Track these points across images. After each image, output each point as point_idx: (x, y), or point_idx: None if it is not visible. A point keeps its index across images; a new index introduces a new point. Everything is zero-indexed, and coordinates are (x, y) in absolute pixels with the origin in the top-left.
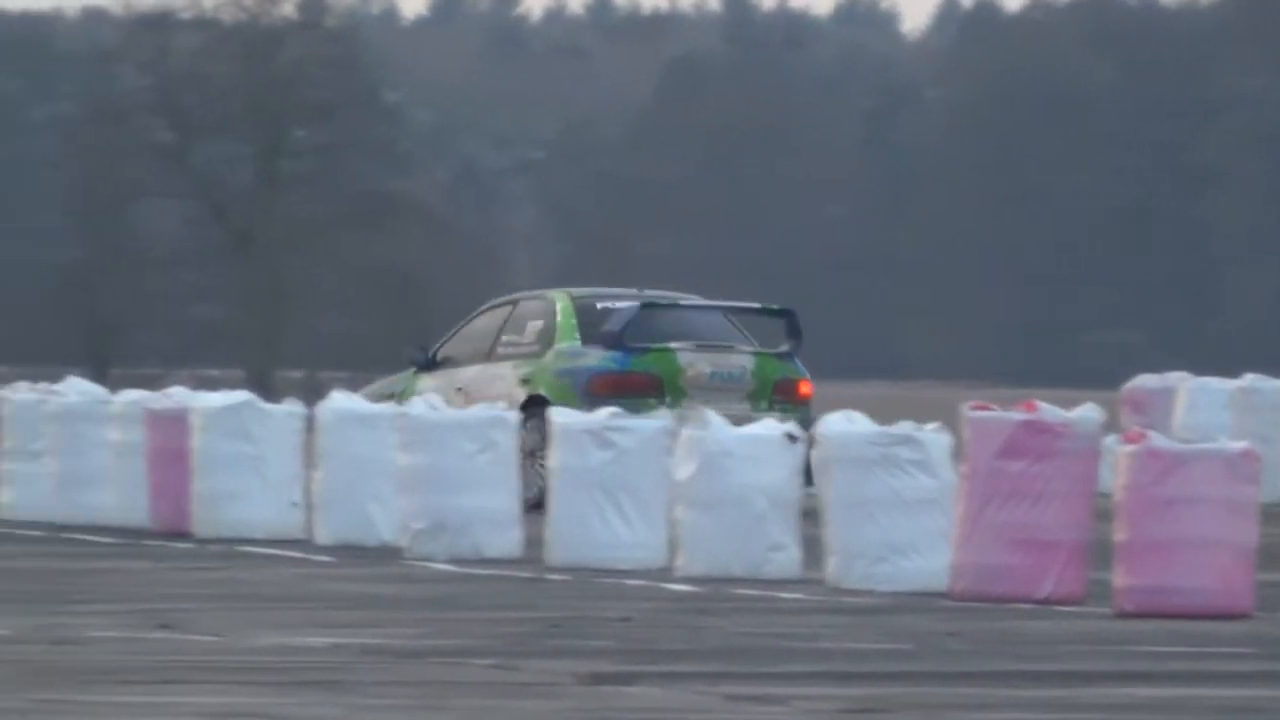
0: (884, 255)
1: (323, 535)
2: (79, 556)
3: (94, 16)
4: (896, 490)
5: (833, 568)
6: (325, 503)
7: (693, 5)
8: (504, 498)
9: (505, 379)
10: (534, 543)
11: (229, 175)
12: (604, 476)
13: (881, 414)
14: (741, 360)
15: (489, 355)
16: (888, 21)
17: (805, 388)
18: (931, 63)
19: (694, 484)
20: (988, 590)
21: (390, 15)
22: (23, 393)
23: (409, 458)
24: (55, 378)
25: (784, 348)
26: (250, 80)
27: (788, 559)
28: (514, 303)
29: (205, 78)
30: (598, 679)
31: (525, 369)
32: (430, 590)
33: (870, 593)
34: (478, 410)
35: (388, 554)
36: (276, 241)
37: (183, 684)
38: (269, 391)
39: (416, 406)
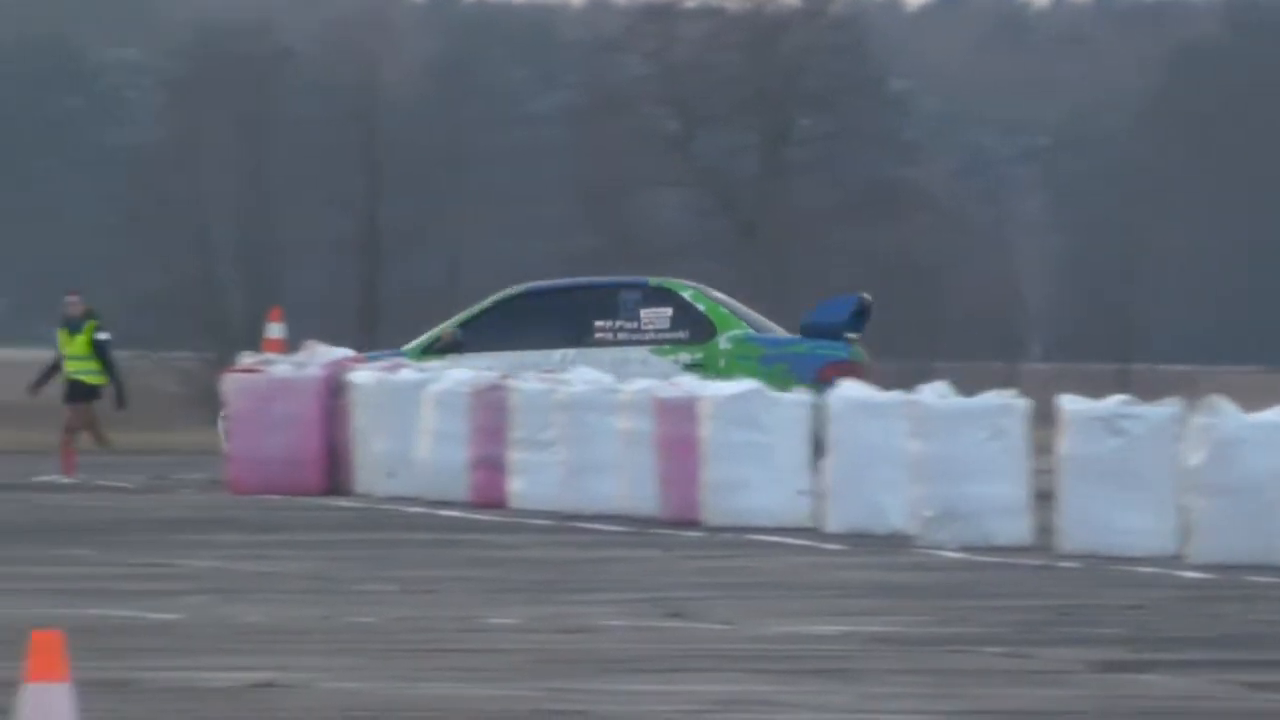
0: None
1: (833, 523)
2: (588, 545)
3: (598, 6)
4: None
5: None
6: (835, 491)
7: None
8: (1014, 485)
9: (649, 364)
10: (1044, 530)
11: (734, 164)
12: (1114, 464)
13: None
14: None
15: (579, 340)
16: None
17: None
18: None
19: (1205, 471)
20: None
21: (894, 3)
22: (532, 383)
23: (919, 445)
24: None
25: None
26: (755, 69)
27: None
28: (593, 289)
29: (709, 67)
30: (1110, 666)
31: (684, 354)
32: (941, 578)
33: None
34: (988, 398)
35: (898, 542)
36: (782, 231)
37: (694, 672)
38: None
39: (926, 395)
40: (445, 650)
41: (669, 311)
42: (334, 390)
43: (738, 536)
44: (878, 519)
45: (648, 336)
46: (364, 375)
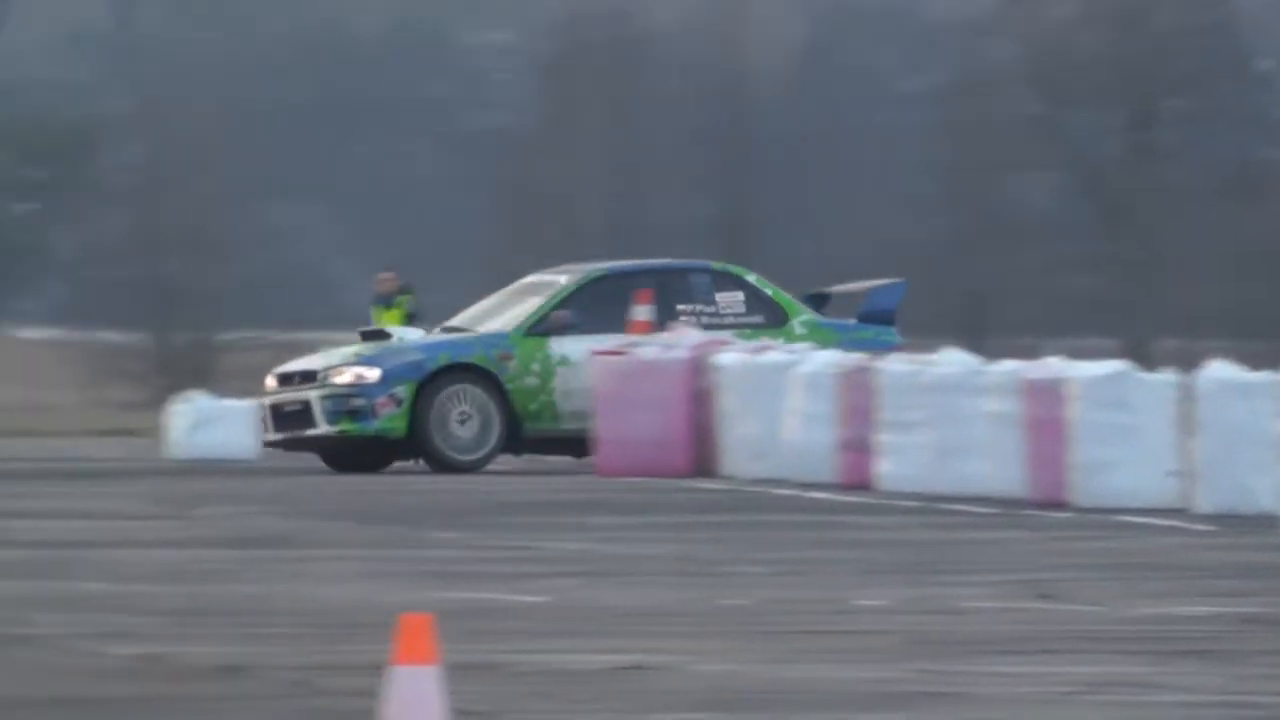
0: None
1: (1202, 504)
2: (956, 527)
3: None
4: None
5: None
6: (1204, 471)
7: None
8: None
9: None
10: None
11: (1101, 146)
12: None
13: None
14: None
15: (665, 323)
16: None
17: None
18: None
19: None
20: None
21: None
22: (897, 364)
23: None
24: (930, 349)
25: None
26: (1122, 50)
27: None
28: (669, 272)
29: (1076, 48)
30: None
31: (765, 338)
32: None
33: None
34: None
35: (1267, 522)
36: (1150, 212)
37: (1065, 653)
38: (1145, 361)
39: None
40: (815, 632)
41: (740, 295)
42: (700, 372)
43: (1106, 517)
44: (1246, 499)
45: (728, 320)
46: (730, 357)
